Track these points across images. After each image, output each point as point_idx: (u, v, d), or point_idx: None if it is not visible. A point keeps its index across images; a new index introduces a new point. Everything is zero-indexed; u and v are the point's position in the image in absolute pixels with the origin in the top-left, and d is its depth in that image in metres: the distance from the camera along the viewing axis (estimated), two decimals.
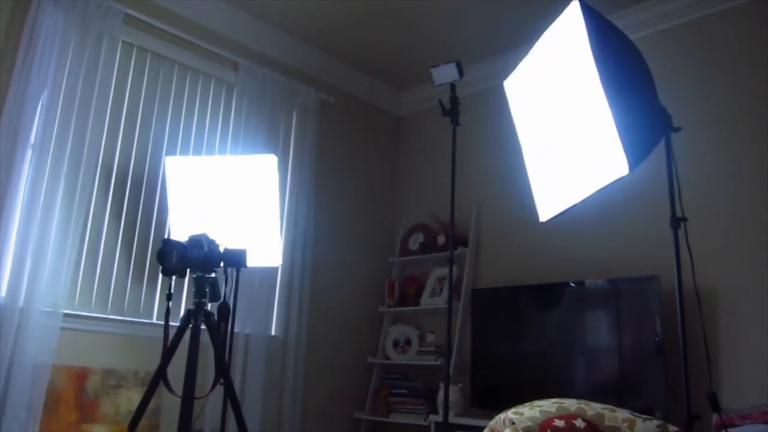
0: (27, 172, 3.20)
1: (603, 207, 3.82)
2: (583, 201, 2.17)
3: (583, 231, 3.95)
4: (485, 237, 4.57)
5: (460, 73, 3.18)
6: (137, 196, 3.74)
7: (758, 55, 3.48)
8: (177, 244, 2.59)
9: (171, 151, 3.91)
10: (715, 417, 2.79)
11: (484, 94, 4.80)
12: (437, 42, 4.52)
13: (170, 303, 2.68)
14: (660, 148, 2.06)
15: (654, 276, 3.32)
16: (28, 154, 3.22)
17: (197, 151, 4.04)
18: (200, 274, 2.70)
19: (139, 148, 3.78)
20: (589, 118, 2.01)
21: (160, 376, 2.59)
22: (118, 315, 3.54)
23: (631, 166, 1.85)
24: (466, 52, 4.58)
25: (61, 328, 3.18)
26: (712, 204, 3.48)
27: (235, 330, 3.59)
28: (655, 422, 2.42)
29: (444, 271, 4.64)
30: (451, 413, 3.86)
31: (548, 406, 2.54)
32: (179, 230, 3.34)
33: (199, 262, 2.67)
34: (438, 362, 4.34)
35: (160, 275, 3.74)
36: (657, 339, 3.24)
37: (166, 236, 3.76)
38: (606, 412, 2.48)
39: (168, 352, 2.63)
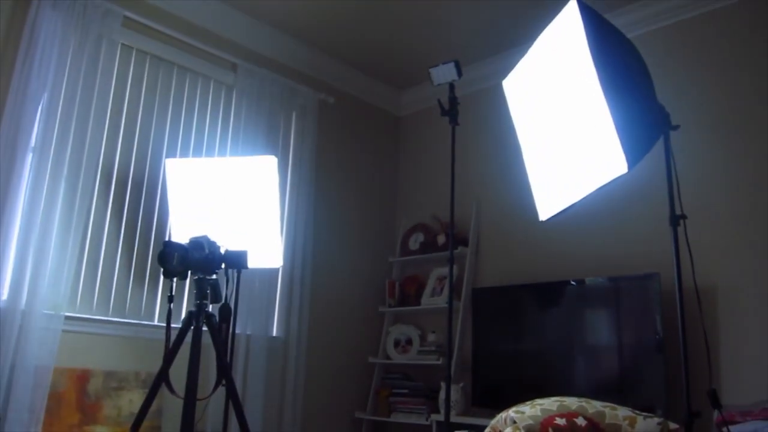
0: (27, 175, 3.21)
1: (602, 205, 3.83)
2: (583, 199, 2.18)
3: (583, 229, 3.96)
4: (485, 236, 4.57)
5: (459, 73, 3.19)
6: (138, 198, 3.74)
7: (756, 53, 3.49)
8: (178, 246, 2.59)
9: (171, 153, 3.91)
10: (715, 414, 2.80)
11: (483, 94, 4.80)
12: (436, 42, 4.53)
13: (171, 305, 2.69)
14: (659, 147, 2.07)
15: (654, 274, 3.32)
16: (29, 157, 3.22)
17: (197, 153, 4.04)
18: (201, 276, 2.71)
19: (139, 150, 3.79)
20: (588, 116, 2.01)
21: (162, 377, 2.59)
22: (119, 317, 3.55)
23: (630, 165, 1.86)
24: (464, 52, 4.59)
25: (63, 331, 3.19)
26: (712, 201, 3.49)
27: (236, 331, 3.60)
28: (656, 420, 2.43)
29: (444, 270, 4.65)
30: (453, 412, 3.86)
31: (549, 404, 2.55)
32: (180, 232, 3.35)
33: (200, 264, 2.67)
34: (439, 362, 4.35)
35: (161, 277, 3.74)
36: (657, 337, 3.25)
37: (166, 238, 3.77)
38: (607, 410, 2.49)
39: (170, 354, 2.64)
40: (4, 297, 3.06)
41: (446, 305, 3.02)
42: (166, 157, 3.86)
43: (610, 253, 3.83)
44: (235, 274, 3.37)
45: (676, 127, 2.07)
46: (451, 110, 3.22)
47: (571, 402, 2.55)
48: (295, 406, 4.10)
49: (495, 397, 3.90)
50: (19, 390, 2.98)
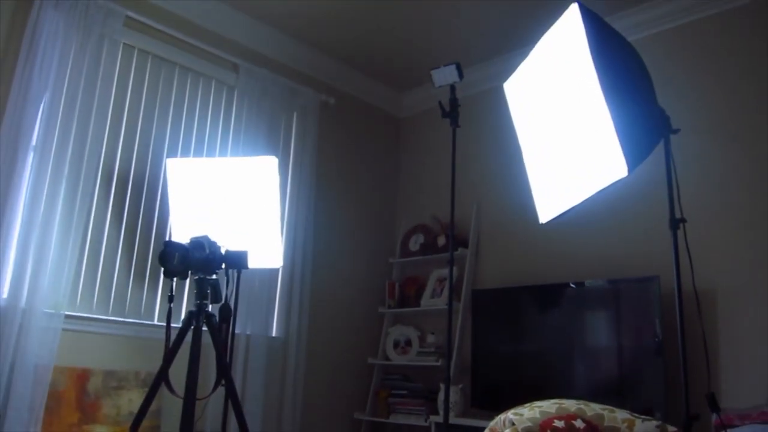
0: (28, 175, 3.21)
1: (603, 208, 3.83)
2: (583, 202, 2.18)
3: (583, 232, 3.96)
4: (485, 238, 4.58)
5: (460, 75, 3.20)
6: (138, 197, 3.75)
7: (757, 58, 3.50)
8: (179, 246, 2.60)
9: (172, 153, 3.92)
10: (714, 417, 2.81)
11: (484, 96, 4.81)
12: (437, 44, 4.54)
13: (172, 304, 2.69)
14: (659, 150, 2.07)
15: (654, 277, 3.33)
16: (30, 157, 3.23)
17: (198, 153, 4.05)
18: (202, 276, 2.71)
19: (140, 150, 3.79)
20: (589, 120, 2.02)
21: (161, 377, 2.60)
22: (119, 316, 3.55)
23: (630, 168, 1.87)
24: (466, 54, 4.59)
25: (63, 330, 3.19)
26: (711, 205, 3.49)
27: (236, 331, 3.60)
28: (655, 423, 2.43)
29: (444, 272, 4.65)
30: (452, 414, 3.87)
31: (548, 406, 2.55)
32: (180, 232, 3.35)
33: (200, 264, 2.68)
34: (438, 363, 4.35)
35: (161, 277, 3.75)
36: (656, 339, 3.25)
37: (167, 238, 3.77)
38: (605, 413, 2.49)
39: (170, 354, 2.64)
40: (5, 295, 3.07)
41: (446, 306, 3.03)
42: (167, 156, 3.86)
43: (610, 255, 3.83)
44: (235, 274, 3.38)
45: (676, 131, 2.08)
46: (452, 112, 3.22)
47: (570, 404, 2.55)
48: (295, 406, 4.10)
49: (494, 398, 3.90)
50: (19, 388, 2.98)
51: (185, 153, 3.99)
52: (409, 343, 4.67)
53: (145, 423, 2.85)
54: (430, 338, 4.54)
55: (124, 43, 3.73)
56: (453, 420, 3.82)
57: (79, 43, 3.45)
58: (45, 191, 3.21)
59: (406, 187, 5.30)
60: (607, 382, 3.45)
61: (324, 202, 4.70)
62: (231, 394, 2.70)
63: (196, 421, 2.53)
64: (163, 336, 2.72)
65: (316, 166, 4.59)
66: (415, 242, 4.87)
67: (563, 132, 2.23)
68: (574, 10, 2.02)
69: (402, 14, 4.20)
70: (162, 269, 2.61)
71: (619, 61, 2.05)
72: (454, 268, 3.38)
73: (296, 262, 4.28)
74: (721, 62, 3.64)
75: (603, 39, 2.01)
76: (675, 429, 2.43)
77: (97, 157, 3.47)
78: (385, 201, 5.23)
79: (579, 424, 2.41)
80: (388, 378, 4.65)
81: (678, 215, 2.05)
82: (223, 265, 2.78)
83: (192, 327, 2.65)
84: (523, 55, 2.53)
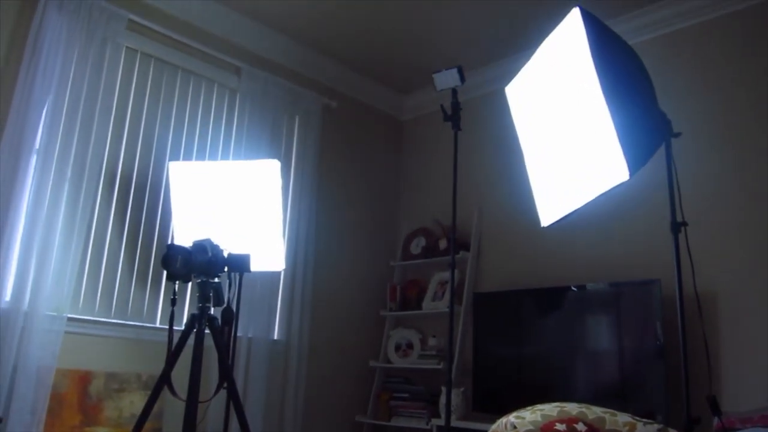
0: (31, 177, 3.22)
1: (604, 212, 3.84)
2: (585, 206, 2.19)
3: (584, 235, 3.96)
4: (487, 241, 4.58)
5: (462, 79, 3.20)
6: (141, 200, 3.76)
7: (759, 61, 3.50)
8: (181, 249, 2.60)
9: (174, 156, 3.93)
10: (715, 420, 2.80)
11: (486, 100, 4.82)
12: (439, 47, 4.55)
13: (174, 307, 2.69)
14: (660, 154, 2.08)
15: (655, 280, 3.33)
16: (33, 160, 3.24)
17: (200, 156, 4.06)
18: (204, 279, 2.72)
19: (142, 153, 3.80)
20: (590, 124, 2.03)
21: (164, 379, 2.60)
22: (121, 319, 3.56)
23: (632, 172, 1.87)
24: (467, 58, 4.60)
25: (65, 332, 3.20)
26: (713, 209, 3.50)
27: (238, 334, 3.61)
28: (656, 426, 2.43)
29: (446, 275, 4.66)
30: (453, 417, 3.87)
31: (549, 409, 2.55)
32: (182, 235, 3.36)
33: (203, 267, 2.68)
34: (440, 366, 4.35)
35: (164, 279, 3.76)
36: (658, 343, 3.25)
37: (169, 241, 3.78)
38: (607, 416, 2.49)
39: (172, 356, 2.64)
40: (7, 298, 3.08)
41: (447, 310, 3.03)
42: (170, 160, 3.87)
43: (612, 259, 3.84)
44: (238, 277, 3.38)
45: (677, 135, 2.08)
46: (454, 115, 3.23)
47: (572, 408, 2.55)
48: (296, 409, 4.10)
49: (495, 401, 3.90)
50: (21, 391, 2.99)
51: (187, 156, 4.00)
52: (410, 346, 4.67)
53: (147, 425, 2.85)
54: (432, 341, 4.54)
55: (127, 47, 3.75)
56: (454, 423, 3.82)
57: (82, 47, 3.47)
58: (48, 194, 3.22)
59: (407, 190, 5.31)
60: (609, 385, 3.45)
61: (326, 205, 4.71)
62: (233, 397, 2.70)
63: (198, 423, 2.53)
64: (165, 339, 2.72)
65: (317, 169, 4.60)
66: (417, 245, 4.88)
67: (565, 135, 2.24)
68: (575, 14, 2.03)
69: (404, 18, 4.21)
70: (165, 272, 2.61)
71: (620, 64, 2.05)
72: (456, 271, 3.38)
73: (298, 265, 4.29)
74: (722, 66, 3.65)
75: (604, 43, 2.02)
76: None
77: (99, 160, 3.49)
78: (386, 204, 5.24)
79: (580, 427, 2.41)
80: (389, 381, 4.66)
81: (679, 219, 2.05)
82: (226, 268, 2.79)
83: (194, 330, 2.65)
84: (525, 58, 2.53)
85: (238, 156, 4.13)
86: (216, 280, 2.76)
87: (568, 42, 2.10)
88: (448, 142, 4.89)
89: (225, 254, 2.79)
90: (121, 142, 3.72)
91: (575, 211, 2.26)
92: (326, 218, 4.68)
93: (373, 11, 4.15)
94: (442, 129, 4.97)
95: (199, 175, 3.38)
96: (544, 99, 2.35)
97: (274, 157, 3.96)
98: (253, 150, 4.14)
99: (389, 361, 4.71)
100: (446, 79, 3.23)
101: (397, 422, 4.42)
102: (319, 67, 4.80)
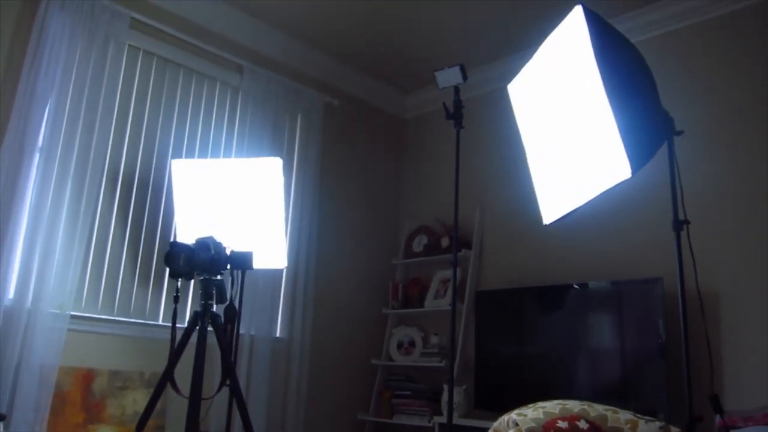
0: (34, 175, 3.23)
1: (606, 210, 3.84)
2: (587, 204, 2.19)
3: (586, 233, 3.96)
4: (489, 239, 4.58)
5: (464, 77, 3.20)
6: (143, 198, 3.76)
7: (761, 59, 3.50)
8: (184, 247, 2.61)
9: (177, 154, 3.93)
10: (717, 419, 2.80)
11: (488, 98, 4.82)
12: (441, 45, 4.54)
13: (177, 305, 2.70)
14: (663, 152, 2.08)
15: (657, 278, 3.33)
16: (36, 158, 3.25)
17: (203, 154, 4.06)
18: (207, 277, 2.72)
19: (145, 151, 3.81)
20: (592, 121, 2.03)
21: (167, 377, 2.61)
22: (124, 317, 3.57)
23: (634, 170, 1.87)
24: (470, 56, 4.60)
25: (68, 330, 3.21)
26: (715, 207, 3.49)
27: (240, 332, 3.61)
28: (658, 424, 2.44)
29: (448, 273, 4.66)
30: (455, 415, 3.87)
31: (551, 407, 2.55)
32: (185, 233, 3.37)
33: (206, 265, 2.69)
34: (442, 364, 4.36)
35: (166, 277, 3.76)
36: (660, 341, 3.25)
37: (172, 239, 3.79)
38: (609, 414, 2.50)
39: (175, 354, 2.65)
40: (11, 296, 3.09)
41: (449, 308, 3.03)
42: (172, 158, 3.88)
43: (614, 257, 3.84)
44: (240, 275, 3.39)
45: (680, 133, 2.08)
46: (456, 113, 3.23)
47: (573, 405, 2.56)
48: (299, 406, 4.11)
49: (497, 399, 3.91)
50: (24, 389, 3.00)
51: (190, 154, 4.00)
52: (412, 343, 4.67)
53: (151, 423, 2.86)
54: (434, 339, 4.55)
55: (130, 45, 3.75)
56: (456, 421, 3.82)
57: (85, 45, 3.47)
58: (51, 192, 3.23)
59: (409, 188, 5.31)
60: (611, 384, 3.45)
61: (328, 203, 4.71)
62: (236, 394, 2.71)
63: (200, 420, 2.54)
64: (168, 336, 2.73)
65: (320, 167, 4.60)
66: (419, 243, 4.88)
67: (567, 133, 2.24)
68: (577, 12, 2.03)
69: (406, 16, 4.21)
70: (167, 270, 2.62)
71: (622, 63, 2.05)
72: (458, 270, 3.38)
73: (300, 263, 4.30)
74: (726, 65, 3.64)
75: (607, 41, 2.02)
76: (678, 430, 2.43)
77: (102, 158, 3.49)
78: (388, 202, 5.24)
79: (582, 424, 2.42)
80: (391, 379, 4.66)
81: (681, 217, 2.06)
82: (228, 266, 2.79)
83: (197, 327, 2.66)
84: (527, 56, 2.53)
85: (240, 154, 4.14)
86: (218, 277, 2.77)
87: (570, 40, 2.10)
88: (450, 140, 4.89)
89: (227, 252, 2.80)
90: (124, 140, 3.72)
91: (577, 209, 2.26)
92: (328, 216, 4.69)
93: (375, 9, 4.15)
94: (445, 127, 4.96)
95: (201, 173, 3.39)
96: (547, 97, 2.35)
97: (276, 155, 3.96)
98: (255, 148, 4.14)
99: (391, 359, 4.72)
100: (448, 77, 3.22)
101: (399, 420, 4.42)
102: (321, 65, 4.80)
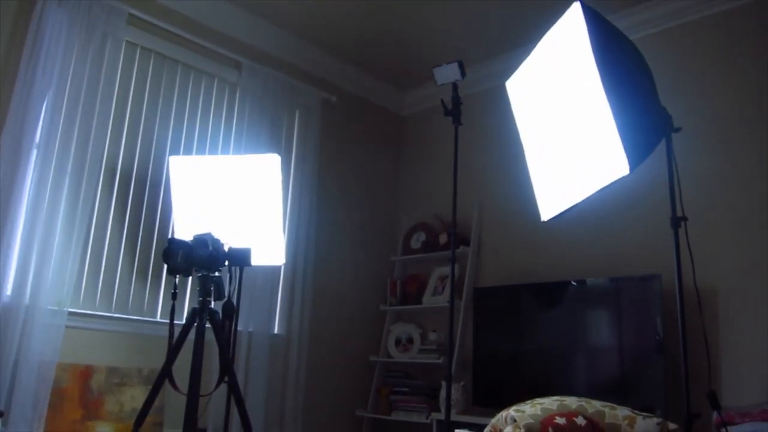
0: (32, 172, 3.22)
1: (604, 206, 3.84)
2: (585, 200, 2.19)
3: (584, 230, 3.97)
4: (487, 236, 4.58)
5: (463, 73, 3.20)
6: (141, 195, 3.76)
7: (759, 57, 3.50)
8: (182, 243, 2.61)
9: (174, 151, 3.93)
10: (714, 415, 2.81)
11: (486, 94, 4.81)
12: (440, 42, 4.54)
13: (175, 301, 2.70)
14: (661, 149, 2.08)
15: (655, 275, 3.33)
16: (33, 154, 3.24)
17: (200, 151, 4.06)
18: (205, 273, 2.72)
19: (142, 147, 3.80)
20: (591, 118, 2.03)
21: (165, 373, 2.61)
22: (122, 313, 3.57)
23: (632, 167, 1.87)
24: (468, 52, 4.60)
25: (66, 327, 3.21)
26: (713, 204, 3.50)
27: (238, 328, 3.61)
28: (655, 420, 2.44)
29: (446, 269, 4.66)
30: (453, 411, 3.87)
31: (549, 403, 2.56)
32: (183, 229, 3.36)
33: (204, 261, 2.69)
34: (440, 361, 4.36)
35: (164, 274, 3.76)
36: (657, 338, 3.26)
37: (170, 235, 3.78)
38: (606, 410, 2.50)
39: (173, 351, 2.65)
40: (8, 293, 3.08)
41: (447, 304, 3.04)
42: (170, 154, 3.87)
43: (612, 253, 3.84)
44: (238, 272, 3.39)
45: (678, 130, 2.08)
46: (454, 110, 3.23)
47: (571, 401, 2.56)
48: (297, 403, 4.12)
49: (495, 396, 3.91)
50: (22, 385, 3.00)
51: (188, 151, 4.00)
52: (410, 340, 4.68)
53: (149, 419, 2.86)
54: (432, 336, 4.55)
55: (127, 41, 3.74)
56: (454, 417, 3.83)
57: (82, 41, 3.46)
58: (48, 189, 3.22)
59: (408, 184, 5.31)
60: (609, 380, 3.46)
61: (326, 199, 4.71)
62: (234, 391, 2.71)
63: (199, 417, 2.54)
64: (166, 333, 2.73)
65: (318, 164, 4.60)
66: (417, 240, 4.88)
67: (565, 130, 2.24)
68: (576, 8, 2.03)
69: (405, 12, 4.20)
70: (165, 266, 2.62)
71: (621, 59, 2.05)
72: (456, 266, 3.39)
73: (298, 260, 4.30)
74: (724, 62, 3.64)
75: (605, 37, 2.01)
76: (676, 426, 2.44)
77: (100, 154, 3.49)
78: (387, 199, 5.24)
79: (580, 421, 2.42)
80: (389, 375, 4.67)
81: (679, 213, 2.06)
82: (226, 262, 2.79)
83: (195, 324, 2.66)
84: (526, 53, 2.53)
85: (238, 150, 4.13)
86: (216, 274, 2.77)
87: (568, 36, 2.10)
88: (448, 137, 4.88)
89: (225, 248, 2.80)
90: (122, 137, 3.72)
91: (575, 205, 2.26)
92: (326, 213, 4.69)
93: (373, 6, 4.15)
94: (443, 124, 4.96)
95: (199, 170, 3.38)
96: (545, 93, 2.35)
97: (274, 152, 3.96)
98: (253, 144, 4.14)
99: (389, 356, 4.72)
100: (447, 73, 3.22)
101: (397, 416, 4.43)
102: (319, 62, 4.80)
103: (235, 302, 2.87)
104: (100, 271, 3.53)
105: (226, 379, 2.71)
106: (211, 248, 2.71)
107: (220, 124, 4.19)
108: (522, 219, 4.28)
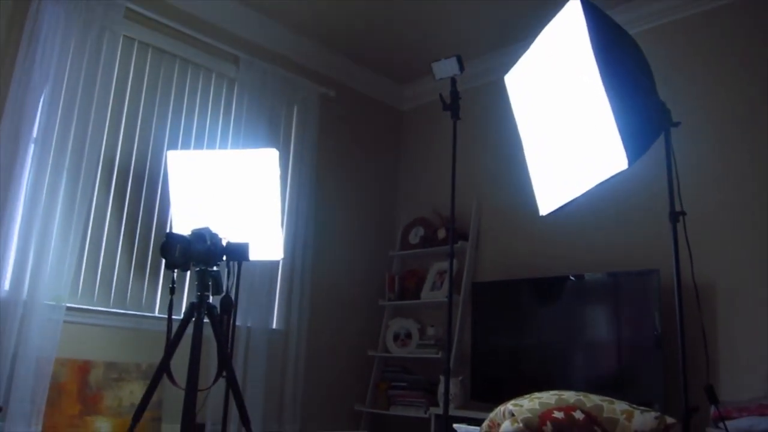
0: (29, 167, 3.22)
1: (603, 201, 3.84)
2: (583, 195, 2.19)
3: (583, 225, 3.97)
4: (485, 231, 4.58)
5: (461, 68, 3.19)
6: (139, 189, 3.75)
7: (758, 52, 3.49)
8: (180, 238, 2.60)
9: (172, 146, 3.92)
10: (712, 409, 2.82)
11: (485, 89, 4.81)
12: (438, 36, 4.53)
13: (173, 296, 2.70)
14: (659, 143, 2.07)
15: (653, 270, 3.34)
16: (31, 149, 3.23)
17: (198, 146, 4.05)
18: (203, 268, 2.72)
19: (140, 142, 3.79)
20: (589, 112, 2.02)
21: (163, 368, 2.61)
22: (120, 308, 3.57)
23: (631, 161, 1.87)
24: (467, 47, 4.59)
25: (64, 322, 3.21)
26: (712, 199, 3.50)
27: (237, 323, 3.61)
28: (653, 414, 2.45)
29: (444, 264, 4.66)
30: (451, 406, 3.88)
31: (547, 398, 2.56)
32: (181, 224, 3.36)
33: (202, 256, 2.69)
34: (438, 355, 4.37)
35: (162, 268, 3.76)
36: (656, 332, 3.26)
37: (168, 230, 3.78)
38: (605, 404, 2.51)
39: (171, 345, 2.65)
40: (6, 288, 3.08)
41: (446, 299, 3.03)
42: (168, 149, 3.87)
43: (610, 248, 3.84)
44: (236, 266, 3.38)
45: (677, 124, 2.08)
46: (453, 105, 3.22)
47: (570, 396, 2.56)
48: (295, 398, 4.12)
49: (494, 390, 3.92)
50: (20, 381, 3.00)
51: (186, 145, 3.99)
52: (409, 335, 4.68)
53: (147, 414, 2.86)
54: (430, 331, 4.55)
55: (125, 35, 3.73)
56: (453, 412, 3.83)
57: (80, 35, 3.45)
58: (46, 183, 3.22)
59: (406, 179, 5.31)
60: (607, 375, 3.47)
61: (324, 194, 4.71)
62: (232, 386, 2.71)
63: (197, 412, 2.54)
64: (164, 328, 2.73)
65: (316, 159, 4.60)
66: (416, 235, 4.88)
67: (564, 124, 2.23)
68: (575, 2, 2.02)
69: (403, 6, 4.19)
70: (163, 261, 2.61)
71: (620, 53, 2.05)
72: (454, 261, 3.39)
73: (297, 255, 4.29)
74: (724, 56, 3.64)
75: (604, 32, 2.01)
76: (674, 420, 2.45)
77: (97, 149, 3.48)
78: (385, 193, 5.24)
79: (578, 415, 2.43)
80: (388, 370, 4.67)
81: (678, 208, 2.05)
82: (225, 257, 2.79)
83: (193, 319, 2.66)
84: (525, 47, 2.52)
85: (236, 145, 4.13)
86: (215, 268, 2.76)
87: (567, 30, 2.09)
88: (447, 131, 4.87)
89: (224, 243, 2.79)
90: (119, 132, 3.71)
91: (574, 200, 2.26)
92: (325, 208, 4.68)
93: (371, 0, 4.13)
94: (441, 119, 4.95)
95: (197, 164, 3.37)
96: (544, 88, 2.35)
97: (272, 146, 3.94)
98: (251, 139, 4.13)
99: (388, 351, 4.73)
100: (445, 68, 3.21)
101: (395, 411, 4.44)
102: (317, 56, 4.78)
103: (233, 297, 2.87)
104: (98, 266, 3.52)
105: (224, 373, 2.71)
106: (209, 243, 2.71)
107: (217, 118, 4.18)
108: (520, 214, 4.28)
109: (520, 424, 2.42)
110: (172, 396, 3.39)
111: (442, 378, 3.93)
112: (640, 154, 1.92)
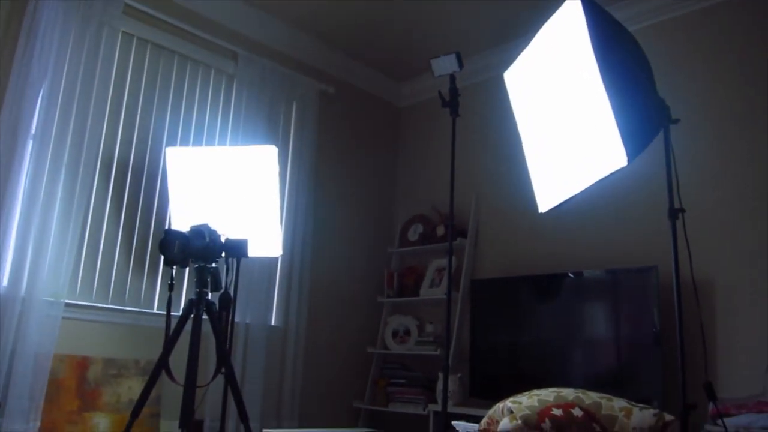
0: (28, 163, 3.21)
1: (602, 198, 3.84)
2: (582, 192, 2.19)
3: (582, 222, 3.97)
4: (484, 228, 4.58)
5: (460, 65, 3.18)
6: (138, 186, 3.75)
7: (757, 49, 3.49)
8: (179, 234, 2.60)
9: (171, 142, 3.91)
10: (710, 406, 2.82)
11: (484, 86, 4.80)
12: (437, 33, 4.52)
13: (171, 293, 2.70)
14: (659, 140, 2.07)
15: (652, 267, 3.34)
16: (29, 145, 3.22)
17: (197, 142, 4.05)
18: (202, 264, 2.72)
19: (139, 138, 3.79)
20: (589, 109, 2.02)
21: (162, 364, 2.61)
22: (119, 305, 3.56)
23: (630, 158, 1.87)
24: (466, 43, 4.58)
25: (63, 318, 3.20)
26: (711, 196, 3.50)
27: (236, 320, 3.61)
28: (652, 411, 2.45)
29: (443, 261, 4.66)
30: (450, 403, 3.89)
31: (546, 395, 2.57)
32: (180, 220, 3.36)
33: (200, 252, 2.68)
34: (437, 352, 4.37)
35: (161, 265, 3.76)
36: (654, 330, 3.26)
37: (166, 226, 3.77)
38: (603, 401, 2.51)
39: (170, 342, 2.65)
40: (5, 284, 3.07)
41: (445, 296, 3.04)
42: (167, 145, 3.86)
43: (609, 245, 3.84)
44: (235, 263, 3.38)
45: (676, 121, 2.08)
46: (452, 101, 3.22)
47: (568, 393, 2.57)
48: (294, 394, 4.12)
49: (492, 387, 3.92)
50: (19, 377, 2.99)
51: (184, 142, 3.99)
52: (407, 332, 4.68)
53: (145, 410, 2.87)
54: (429, 328, 4.55)
55: (123, 31, 3.72)
56: (451, 409, 3.84)
57: (78, 31, 3.44)
58: (44, 180, 3.21)
59: (405, 176, 5.30)
60: (605, 372, 3.47)
61: (323, 191, 4.70)
62: (231, 382, 2.71)
63: (196, 408, 2.54)
64: (163, 324, 2.73)
65: (315, 156, 4.59)
66: (414, 232, 4.88)
67: (563, 121, 2.23)
68: None
69: (402, 3, 4.19)
70: (162, 257, 2.62)
71: (619, 50, 2.04)
72: (453, 258, 3.38)
73: (295, 251, 4.29)
74: (723, 53, 3.63)
75: (604, 29, 2.01)
76: (672, 417, 2.45)
77: (96, 145, 3.47)
78: (384, 190, 5.24)
79: (577, 412, 2.43)
80: (386, 367, 4.67)
81: (677, 205, 2.06)
82: (223, 254, 2.79)
83: (192, 315, 2.66)
84: (524, 44, 2.52)
85: (235, 142, 4.12)
86: (213, 265, 2.76)
87: (567, 27, 2.09)
88: (446, 128, 4.88)
89: (222, 239, 2.79)
90: (118, 128, 3.70)
91: (573, 197, 2.26)
92: (323, 204, 4.68)
93: None
94: (440, 115, 4.95)
95: (196, 161, 3.37)
96: (543, 85, 2.34)
97: (271, 143, 3.94)
98: (250, 136, 4.13)
99: (386, 348, 4.73)
100: (444, 64, 3.21)
101: (394, 408, 4.44)
102: (316, 53, 4.78)
103: (232, 293, 2.86)
104: (96, 263, 3.52)
105: (223, 370, 2.71)
106: (207, 239, 2.71)
107: (216, 115, 4.17)
108: (519, 211, 4.28)
109: (519, 421, 2.43)
110: (171, 392, 3.39)
111: (440, 375, 3.94)
112: (639, 151, 1.92)
